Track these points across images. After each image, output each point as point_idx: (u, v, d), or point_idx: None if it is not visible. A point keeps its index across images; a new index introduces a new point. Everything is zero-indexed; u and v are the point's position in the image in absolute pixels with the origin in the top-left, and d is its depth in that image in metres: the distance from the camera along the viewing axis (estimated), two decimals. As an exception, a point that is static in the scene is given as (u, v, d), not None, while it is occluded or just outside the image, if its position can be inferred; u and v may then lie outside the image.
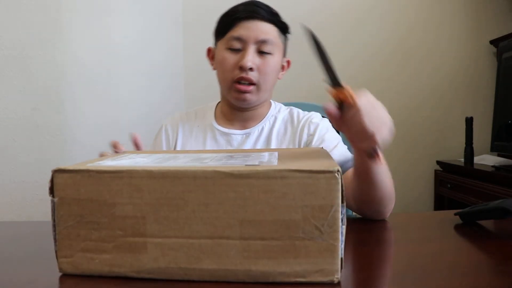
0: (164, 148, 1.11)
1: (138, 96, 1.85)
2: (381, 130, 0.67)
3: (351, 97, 0.66)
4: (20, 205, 1.58)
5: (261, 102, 1.07)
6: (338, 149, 1.00)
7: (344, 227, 0.52)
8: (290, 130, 1.06)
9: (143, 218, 0.51)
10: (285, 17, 1.03)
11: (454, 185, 2.03)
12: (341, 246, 0.52)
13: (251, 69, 0.97)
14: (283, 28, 1.03)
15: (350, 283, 0.54)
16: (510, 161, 1.92)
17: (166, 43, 1.95)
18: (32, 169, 1.58)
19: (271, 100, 1.13)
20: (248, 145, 1.06)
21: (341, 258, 0.52)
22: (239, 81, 0.99)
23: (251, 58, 0.97)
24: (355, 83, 2.33)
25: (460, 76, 2.25)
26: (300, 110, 1.12)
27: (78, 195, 0.51)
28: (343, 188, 0.51)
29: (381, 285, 0.55)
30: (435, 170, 2.21)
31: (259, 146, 1.06)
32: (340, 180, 0.51)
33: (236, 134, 1.07)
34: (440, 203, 2.19)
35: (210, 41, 2.05)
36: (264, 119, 1.09)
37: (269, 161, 0.58)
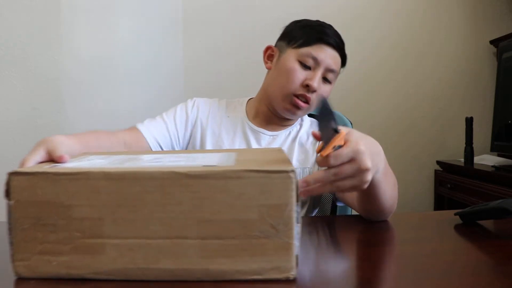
0: (181, 120, 1.08)
1: (138, 96, 1.86)
2: (378, 164, 0.66)
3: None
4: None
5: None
6: None
7: (299, 225, 0.54)
8: (312, 137, 1.09)
9: (101, 219, 0.51)
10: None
11: (454, 185, 2.01)
12: (296, 243, 0.53)
13: (314, 90, 1.00)
14: (345, 61, 1.07)
15: (350, 283, 0.56)
16: (510, 161, 1.90)
17: (166, 42, 1.95)
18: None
19: None
20: (274, 147, 1.08)
21: (296, 256, 0.54)
22: (299, 96, 1.01)
23: (319, 81, 1.00)
24: (354, 84, 2.14)
25: (460, 76, 2.23)
26: None
27: (35, 198, 0.51)
28: (297, 187, 0.53)
29: (381, 285, 0.55)
30: (435, 170, 2.19)
31: (284, 149, 1.07)
32: (294, 180, 0.52)
33: (266, 134, 1.09)
34: (440, 203, 2.17)
35: (210, 40, 2.05)
36: (292, 126, 1.11)
37: (227, 161, 0.59)
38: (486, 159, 2.01)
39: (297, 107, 1.01)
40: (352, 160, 0.58)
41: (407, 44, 2.18)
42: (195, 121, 1.09)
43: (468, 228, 0.79)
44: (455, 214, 0.83)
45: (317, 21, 1.06)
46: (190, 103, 1.12)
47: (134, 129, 1.02)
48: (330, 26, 1.04)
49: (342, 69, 1.08)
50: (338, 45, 1.02)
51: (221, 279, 0.52)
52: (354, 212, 0.92)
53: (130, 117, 1.76)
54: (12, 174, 0.52)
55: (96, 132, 0.93)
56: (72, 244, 0.51)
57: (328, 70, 1.00)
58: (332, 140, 0.58)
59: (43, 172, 0.52)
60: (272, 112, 1.08)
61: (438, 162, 2.17)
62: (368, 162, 0.58)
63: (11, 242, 0.52)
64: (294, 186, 0.52)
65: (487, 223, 0.80)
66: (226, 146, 1.06)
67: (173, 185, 0.51)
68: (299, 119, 1.13)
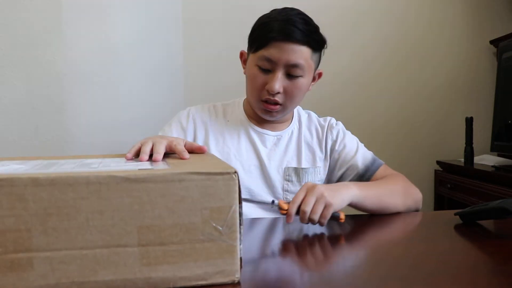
0: (177, 134, 1.03)
1: (138, 95, 1.80)
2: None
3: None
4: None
5: (287, 114, 1.07)
6: (360, 153, 1.05)
7: (242, 227, 0.54)
8: (315, 135, 1.08)
9: (28, 230, 0.46)
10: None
11: (454, 185, 1.98)
12: (239, 246, 0.53)
13: (278, 92, 0.96)
14: (318, 46, 0.98)
15: (350, 283, 0.55)
16: (510, 161, 1.88)
17: (166, 43, 1.89)
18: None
19: None
20: (281, 148, 1.05)
21: (240, 258, 0.53)
22: (266, 100, 0.98)
23: (278, 82, 0.95)
24: (354, 83, 2.12)
25: (460, 76, 2.21)
26: (315, 115, 1.14)
27: None
28: (240, 189, 0.53)
29: (381, 284, 0.54)
30: (435, 170, 2.17)
31: (291, 149, 1.06)
32: (237, 181, 0.52)
33: (270, 135, 1.06)
34: (440, 203, 2.15)
35: (209, 41, 2.00)
36: (292, 123, 1.09)
37: (161, 165, 0.57)
38: (486, 159, 1.98)
39: (269, 110, 0.99)
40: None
41: (407, 44, 2.16)
42: (194, 133, 1.05)
43: (468, 228, 0.78)
44: (455, 214, 0.83)
45: (276, 13, 0.97)
46: (183, 116, 1.07)
47: None
48: (287, 17, 0.94)
49: (323, 51, 1.01)
50: (296, 36, 0.92)
51: (165, 287, 0.50)
52: (353, 211, 0.93)
53: (130, 117, 1.76)
54: None
55: None
56: (-7, 261, 0.46)
57: (290, 65, 0.94)
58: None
59: (-44, 181, 0.46)
60: None
61: (438, 162, 2.14)
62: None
63: None
64: (237, 188, 0.52)
65: (487, 223, 0.80)
66: (233, 151, 1.03)
67: (111, 190, 0.48)
68: (295, 113, 1.11)
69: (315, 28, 0.96)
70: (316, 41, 0.96)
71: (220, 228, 0.51)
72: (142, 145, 0.68)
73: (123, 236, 0.48)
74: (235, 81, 1.77)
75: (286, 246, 0.73)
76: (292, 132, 1.08)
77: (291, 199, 1.00)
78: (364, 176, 1.03)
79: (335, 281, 0.56)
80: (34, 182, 0.46)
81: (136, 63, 1.78)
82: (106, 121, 1.72)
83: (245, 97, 1.11)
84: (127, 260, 0.48)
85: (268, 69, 0.95)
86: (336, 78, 2.03)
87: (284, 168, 1.03)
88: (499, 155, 2.03)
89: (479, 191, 1.78)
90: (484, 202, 0.81)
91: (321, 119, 1.12)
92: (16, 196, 0.46)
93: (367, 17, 2.12)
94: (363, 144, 1.10)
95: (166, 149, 0.68)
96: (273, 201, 0.81)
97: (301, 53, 0.94)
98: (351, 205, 0.85)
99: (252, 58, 0.98)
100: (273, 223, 0.87)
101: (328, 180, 1.07)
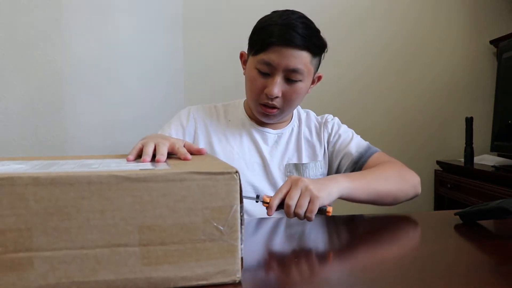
0: (176, 132, 1.03)
1: (138, 96, 1.80)
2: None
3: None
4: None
5: (285, 116, 1.07)
6: (354, 141, 1.07)
7: (243, 226, 0.53)
8: (314, 131, 1.10)
9: (29, 230, 0.46)
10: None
11: (454, 185, 1.97)
12: (240, 245, 0.52)
13: (276, 96, 0.96)
14: (318, 51, 0.98)
15: (350, 282, 0.55)
16: (510, 161, 1.87)
17: (166, 43, 1.89)
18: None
19: None
20: (282, 145, 1.07)
21: (241, 258, 0.53)
22: (265, 104, 0.98)
23: (277, 87, 0.95)
24: (355, 83, 2.11)
25: (460, 76, 2.20)
26: (314, 113, 1.16)
27: None
28: (241, 188, 0.53)
29: (381, 284, 0.54)
30: (435, 170, 2.16)
31: (291, 147, 1.07)
32: (238, 181, 0.52)
33: (271, 133, 1.07)
34: (440, 203, 2.13)
35: (210, 41, 1.99)
36: (291, 121, 1.11)
37: (162, 165, 0.57)
38: (486, 159, 1.98)
39: (268, 114, 1.00)
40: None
41: (407, 44, 2.16)
42: (195, 132, 1.05)
43: (468, 228, 0.78)
44: (455, 214, 0.82)
45: (277, 15, 0.96)
46: (184, 115, 1.07)
47: None
48: (288, 22, 0.93)
49: (323, 55, 1.01)
50: (296, 42, 0.92)
51: (166, 287, 0.49)
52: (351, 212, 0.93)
53: (130, 117, 1.76)
54: None
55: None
56: (-7, 261, 0.45)
57: (289, 70, 0.94)
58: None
59: (-44, 180, 0.45)
60: None
61: (438, 162, 2.14)
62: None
63: None
64: (238, 187, 0.52)
65: (487, 223, 0.80)
66: (236, 149, 1.04)
67: (112, 189, 0.47)
68: (295, 112, 1.12)
69: (316, 32, 0.96)
70: (316, 46, 0.96)
71: (221, 228, 0.51)
72: (143, 146, 0.68)
73: (124, 235, 0.48)
74: (235, 82, 1.76)
75: (288, 246, 0.72)
76: (292, 130, 1.09)
77: None
78: (358, 162, 1.03)
79: (335, 280, 0.56)
80: (35, 182, 0.45)
81: (136, 63, 1.78)
82: (106, 121, 1.73)
83: (244, 98, 1.11)
84: (128, 260, 0.48)
85: (267, 73, 0.95)
86: (336, 79, 2.03)
87: (285, 165, 1.04)
88: (499, 155, 2.02)
89: (479, 191, 1.77)
90: (484, 202, 0.80)
91: (319, 117, 1.14)
92: (16, 195, 0.45)
93: (366, 18, 2.11)
94: (359, 136, 1.11)
95: (168, 150, 0.68)
96: (257, 196, 0.79)
97: (300, 58, 0.94)
98: (342, 198, 0.83)
99: (251, 60, 0.99)
100: (276, 224, 0.86)
101: (328, 173, 1.09)
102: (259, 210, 0.97)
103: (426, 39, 2.17)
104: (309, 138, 1.09)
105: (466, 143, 1.94)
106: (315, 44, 0.95)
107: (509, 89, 1.82)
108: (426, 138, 2.19)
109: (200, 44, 1.93)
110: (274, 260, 0.65)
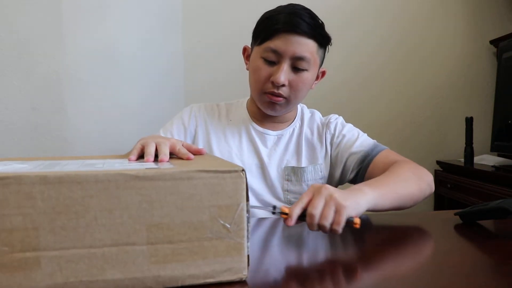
0: (178, 131, 1.02)
1: (137, 96, 1.78)
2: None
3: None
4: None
5: (290, 110, 1.04)
6: (360, 140, 1.02)
7: (250, 224, 0.53)
8: (316, 133, 1.06)
9: (36, 229, 0.45)
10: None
11: (454, 185, 1.95)
12: (247, 243, 0.52)
13: (283, 85, 0.93)
14: (324, 42, 0.96)
15: (350, 282, 0.54)
16: (510, 161, 1.86)
17: (166, 43, 1.87)
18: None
19: None
20: (281, 147, 1.04)
21: (248, 256, 0.53)
22: (270, 93, 0.95)
23: (284, 74, 0.92)
24: (354, 83, 2.07)
25: (460, 76, 2.18)
26: (320, 114, 1.12)
27: (-49, 210, 0.43)
28: (248, 186, 0.53)
29: (381, 284, 0.53)
30: (435, 170, 2.13)
31: (291, 148, 1.04)
32: (245, 179, 0.52)
33: (270, 135, 1.04)
34: (440, 203, 2.11)
35: (210, 40, 1.98)
36: (294, 121, 1.07)
37: (166, 164, 0.56)
38: (486, 159, 1.96)
39: (274, 103, 0.96)
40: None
41: (407, 44, 2.13)
42: (195, 131, 1.03)
43: (468, 228, 0.77)
44: (455, 214, 0.82)
45: (281, 7, 0.95)
46: (186, 113, 1.06)
47: None
48: (293, 11, 0.92)
49: (328, 47, 0.99)
50: (303, 29, 0.90)
51: (173, 285, 0.49)
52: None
53: (130, 117, 1.75)
54: None
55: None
56: (-1, 261, 0.44)
57: (296, 58, 0.92)
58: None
59: (-40, 179, 0.44)
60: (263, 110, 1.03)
61: (438, 162, 2.12)
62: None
63: None
64: (244, 186, 0.52)
65: (487, 223, 0.79)
66: (234, 150, 1.02)
67: (120, 188, 0.47)
68: (299, 112, 1.09)
69: (321, 23, 0.95)
70: (322, 36, 0.94)
71: (228, 226, 0.51)
72: (144, 146, 0.67)
73: (132, 234, 0.47)
74: (236, 81, 1.77)
75: (289, 244, 0.72)
76: (293, 131, 1.06)
77: (291, 199, 0.99)
78: (364, 161, 0.98)
79: (335, 280, 0.56)
80: (43, 180, 0.45)
81: (136, 63, 1.77)
82: (106, 122, 1.71)
83: (248, 97, 1.09)
84: (136, 259, 0.47)
85: (273, 61, 0.93)
86: (335, 78, 2.01)
87: (283, 168, 1.01)
88: (499, 155, 2.00)
89: (479, 191, 1.76)
90: (484, 202, 0.79)
91: (324, 118, 1.10)
92: (24, 194, 0.44)
93: (366, 17, 2.08)
94: (366, 134, 1.06)
95: (169, 150, 0.67)
96: (274, 207, 0.71)
97: (307, 46, 0.91)
98: (368, 210, 0.76)
99: (256, 50, 0.96)
100: (277, 223, 0.86)
101: (330, 176, 1.04)
102: (256, 211, 0.97)
103: (426, 39, 2.15)
104: (310, 140, 1.05)
105: (466, 143, 1.92)
106: (321, 33, 0.94)
107: (509, 89, 1.80)
108: (426, 138, 2.18)
109: (200, 44, 1.92)
110: (277, 258, 0.64)
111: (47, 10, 1.60)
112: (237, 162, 1.01)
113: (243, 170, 0.51)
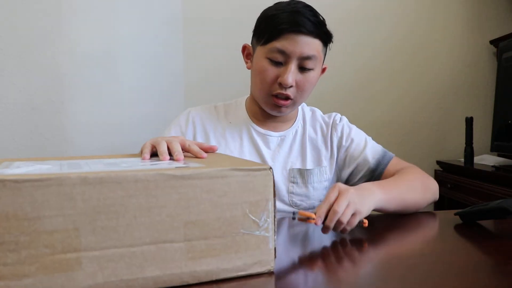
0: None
1: (138, 95, 1.73)
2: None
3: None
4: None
5: (293, 112, 1.02)
6: (369, 146, 1.01)
7: (276, 219, 0.55)
8: (320, 133, 1.03)
9: (76, 230, 0.44)
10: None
11: (454, 185, 1.92)
12: (274, 236, 0.54)
13: (290, 86, 0.90)
14: (327, 39, 0.93)
15: (350, 282, 0.55)
16: (510, 161, 1.83)
17: (166, 43, 1.80)
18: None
19: None
20: (285, 148, 1.00)
21: (274, 248, 0.55)
22: (277, 95, 0.91)
23: (292, 75, 0.89)
24: (354, 83, 2.03)
25: (460, 76, 2.15)
26: (320, 112, 1.09)
27: (-13, 212, 0.42)
28: (275, 183, 0.54)
29: (381, 284, 0.53)
30: (435, 170, 2.09)
31: (295, 149, 1.00)
32: (272, 177, 0.54)
33: (273, 136, 1.00)
34: (440, 203, 2.04)
35: (210, 40, 1.91)
36: (296, 122, 1.03)
37: (192, 163, 0.57)
38: (486, 159, 1.93)
39: (280, 105, 0.93)
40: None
41: (407, 44, 2.09)
42: (194, 137, 0.98)
43: (468, 228, 0.77)
44: (455, 214, 0.81)
45: (283, 4, 0.92)
46: (183, 119, 1.00)
47: None
48: (297, 9, 0.89)
49: (330, 45, 0.97)
50: (309, 28, 0.88)
51: (208, 279, 0.50)
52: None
53: (130, 117, 1.71)
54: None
55: None
56: (39, 263, 0.43)
57: (303, 58, 0.89)
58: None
59: (-3, 180, 0.42)
60: (265, 111, 0.99)
61: (438, 162, 2.09)
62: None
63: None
64: (272, 183, 0.54)
65: (487, 223, 0.79)
66: (236, 154, 0.97)
67: (159, 187, 0.47)
68: (299, 111, 1.05)
69: (323, 20, 0.93)
70: (325, 34, 0.93)
71: (258, 221, 0.52)
72: (156, 145, 0.65)
73: (170, 232, 0.48)
74: (236, 81, 1.74)
75: (301, 240, 0.75)
76: (296, 132, 1.02)
77: (296, 201, 0.97)
78: (376, 170, 0.98)
79: (335, 280, 0.56)
80: (83, 181, 0.44)
81: (136, 63, 1.74)
82: (106, 121, 1.69)
83: (247, 96, 1.05)
84: (173, 255, 0.48)
85: (279, 62, 0.90)
86: (335, 78, 1.97)
87: (289, 170, 0.98)
88: (499, 155, 1.97)
89: (479, 191, 1.73)
90: (484, 202, 0.79)
91: (326, 116, 1.07)
92: (64, 195, 0.43)
93: (366, 17, 2.05)
94: (371, 138, 1.05)
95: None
96: (293, 213, 0.74)
97: (314, 45, 0.89)
98: (374, 210, 0.80)
99: (261, 50, 0.92)
100: (286, 220, 0.86)
101: (337, 178, 1.03)
102: None
103: (425, 39, 2.12)
104: (314, 141, 1.02)
105: (466, 143, 1.89)
106: (324, 31, 0.92)
107: (509, 89, 1.78)
108: (426, 138, 2.15)
109: (200, 44, 1.85)
110: (296, 251, 0.67)
111: (47, 10, 1.58)
112: None
113: (270, 168, 0.53)
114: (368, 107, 2.07)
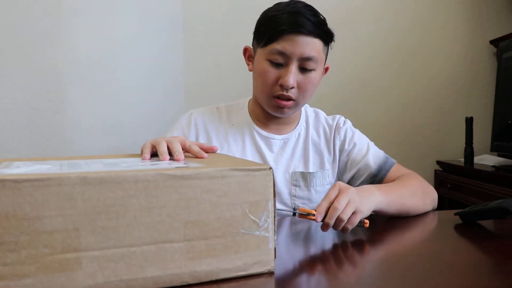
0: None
1: (138, 96, 1.74)
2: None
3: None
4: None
5: (296, 113, 1.01)
6: (371, 152, 1.00)
7: (276, 219, 0.55)
8: (323, 137, 1.02)
9: (76, 230, 0.44)
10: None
11: (454, 185, 1.91)
12: (274, 237, 0.54)
13: (292, 87, 0.89)
14: (328, 39, 0.92)
15: (350, 281, 0.54)
16: (510, 161, 1.82)
17: (166, 43, 1.81)
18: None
19: None
20: (287, 152, 0.98)
21: (274, 248, 0.54)
22: (279, 96, 0.90)
23: (293, 76, 0.88)
24: (354, 83, 2.03)
25: (460, 76, 2.14)
26: (324, 113, 1.07)
27: (-13, 212, 0.41)
28: (275, 183, 0.54)
29: (382, 284, 0.53)
30: (435, 170, 2.09)
31: (298, 153, 0.99)
32: (272, 177, 0.53)
33: (276, 139, 0.99)
34: (440, 203, 2.01)
35: (210, 41, 1.91)
36: (299, 124, 1.02)
37: (192, 163, 0.57)
38: (486, 159, 1.93)
39: (282, 106, 0.92)
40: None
41: (407, 44, 2.09)
42: (196, 139, 0.97)
43: (468, 228, 0.77)
44: (455, 214, 0.80)
45: (282, 5, 0.91)
46: (185, 122, 0.99)
47: None
48: (296, 9, 0.88)
49: (331, 44, 0.95)
50: (308, 28, 0.87)
51: (208, 279, 0.50)
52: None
53: (130, 117, 1.72)
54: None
55: None
56: (39, 263, 0.43)
57: (304, 59, 0.88)
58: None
59: (-4, 180, 0.42)
60: (268, 112, 0.97)
61: (438, 162, 2.08)
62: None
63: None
64: (272, 183, 0.53)
65: (487, 223, 0.79)
66: (237, 155, 0.95)
67: (159, 187, 0.47)
68: (303, 112, 1.04)
69: (324, 20, 0.92)
70: (326, 33, 0.91)
71: (258, 221, 0.52)
72: (156, 145, 0.65)
73: (170, 232, 0.47)
74: (236, 81, 1.75)
75: (303, 238, 0.74)
76: (299, 134, 1.01)
77: (299, 204, 0.97)
78: (377, 176, 0.97)
79: (335, 280, 0.56)
80: (83, 181, 0.44)
81: (136, 63, 1.75)
82: (106, 121, 1.69)
83: (250, 97, 1.04)
84: (173, 256, 0.48)
85: (280, 63, 0.89)
86: (336, 78, 1.96)
87: (291, 173, 0.97)
88: (499, 155, 1.97)
89: (479, 191, 1.73)
90: (484, 202, 0.79)
91: (329, 118, 1.05)
92: (64, 195, 0.43)
93: (365, 17, 2.05)
94: (373, 143, 1.04)
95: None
96: (294, 209, 0.74)
97: (314, 46, 0.88)
98: (374, 211, 0.80)
99: (261, 52, 0.91)
100: (286, 220, 0.86)
101: (337, 181, 1.00)
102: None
103: (426, 39, 2.11)
104: (317, 144, 1.01)
105: (466, 143, 1.88)
106: (325, 31, 0.91)
107: (509, 89, 1.78)
108: (426, 138, 2.14)
109: (200, 44, 1.85)
110: (296, 250, 0.67)
111: (47, 11, 1.58)
112: None
113: (270, 168, 0.53)
114: (368, 107, 2.06)
